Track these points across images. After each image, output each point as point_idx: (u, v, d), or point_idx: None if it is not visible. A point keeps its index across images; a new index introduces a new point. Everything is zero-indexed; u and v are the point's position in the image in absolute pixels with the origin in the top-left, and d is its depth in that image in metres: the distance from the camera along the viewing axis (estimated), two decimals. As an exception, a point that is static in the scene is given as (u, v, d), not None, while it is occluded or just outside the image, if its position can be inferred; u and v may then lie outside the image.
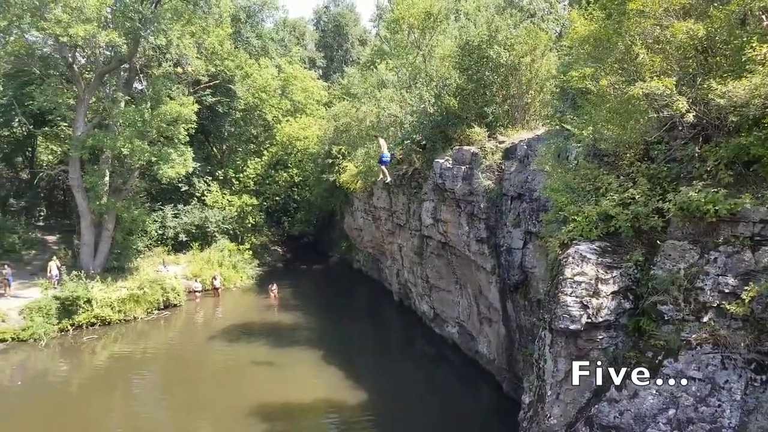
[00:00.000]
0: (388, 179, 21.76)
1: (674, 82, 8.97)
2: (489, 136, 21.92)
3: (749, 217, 8.42)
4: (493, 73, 22.65)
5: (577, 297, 9.04)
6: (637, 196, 9.54)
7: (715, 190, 8.65)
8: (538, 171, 15.65)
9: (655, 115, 9.26)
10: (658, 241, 9.18)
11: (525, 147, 18.78)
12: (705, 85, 8.77)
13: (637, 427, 8.35)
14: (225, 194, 41.42)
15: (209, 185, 41.07)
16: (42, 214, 42.01)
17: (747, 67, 8.44)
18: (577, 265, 9.27)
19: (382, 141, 20.19)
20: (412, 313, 29.57)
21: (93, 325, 28.46)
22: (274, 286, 34.24)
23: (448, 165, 22.60)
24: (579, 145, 12.15)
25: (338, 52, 59.67)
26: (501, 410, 18.90)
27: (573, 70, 12.42)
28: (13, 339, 26.62)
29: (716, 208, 8.55)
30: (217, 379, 22.84)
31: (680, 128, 9.53)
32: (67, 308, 28.26)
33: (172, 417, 20.01)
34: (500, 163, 20.02)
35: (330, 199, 40.15)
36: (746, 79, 8.20)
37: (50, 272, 30.07)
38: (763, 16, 8.98)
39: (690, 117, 9.04)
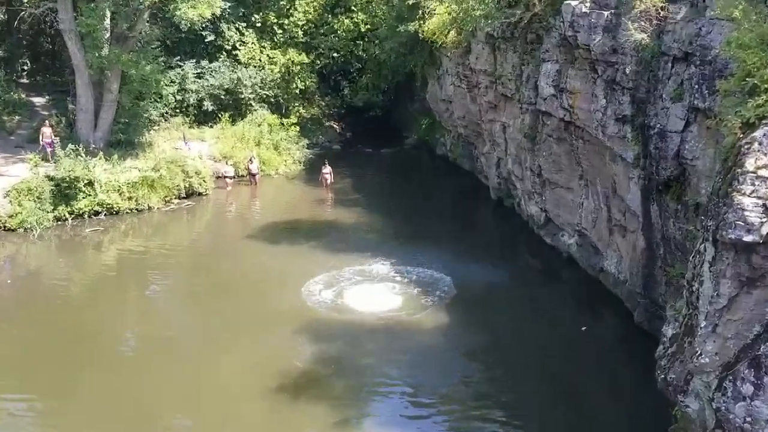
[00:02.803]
0: None
1: None
2: (647, -31, 21.30)
3: None
4: None
5: (759, 198, 9.32)
6: None
7: None
8: (719, 19, 15.32)
9: None
10: None
11: (700, -17, 18.26)
12: None
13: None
14: (264, 48, 42.40)
15: (243, 34, 41.99)
16: (26, 68, 44.30)
17: None
18: (765, 154, 9.50)
19: None
20: (515, 216, 30.35)
21: (97, 214, 30.84)
22: (328, 169, 35.47)
23: (585, 9, 22.23)
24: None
25: None
26: (630, 345, 19.78)
27: None
28: (-2, 227, 29.32)
29: None
30: (251, 290, 24.65)
31: None
32: (63, 192, 30.51)
33: (194, 328, 22.00)
34: (662, 6, 19.58)
35: (408, 57, 40.35)
36: None
37: (43, 140, 32.10)
38: None
39: None
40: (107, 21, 33.91)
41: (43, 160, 31.61)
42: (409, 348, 20.15)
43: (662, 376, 11.73)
